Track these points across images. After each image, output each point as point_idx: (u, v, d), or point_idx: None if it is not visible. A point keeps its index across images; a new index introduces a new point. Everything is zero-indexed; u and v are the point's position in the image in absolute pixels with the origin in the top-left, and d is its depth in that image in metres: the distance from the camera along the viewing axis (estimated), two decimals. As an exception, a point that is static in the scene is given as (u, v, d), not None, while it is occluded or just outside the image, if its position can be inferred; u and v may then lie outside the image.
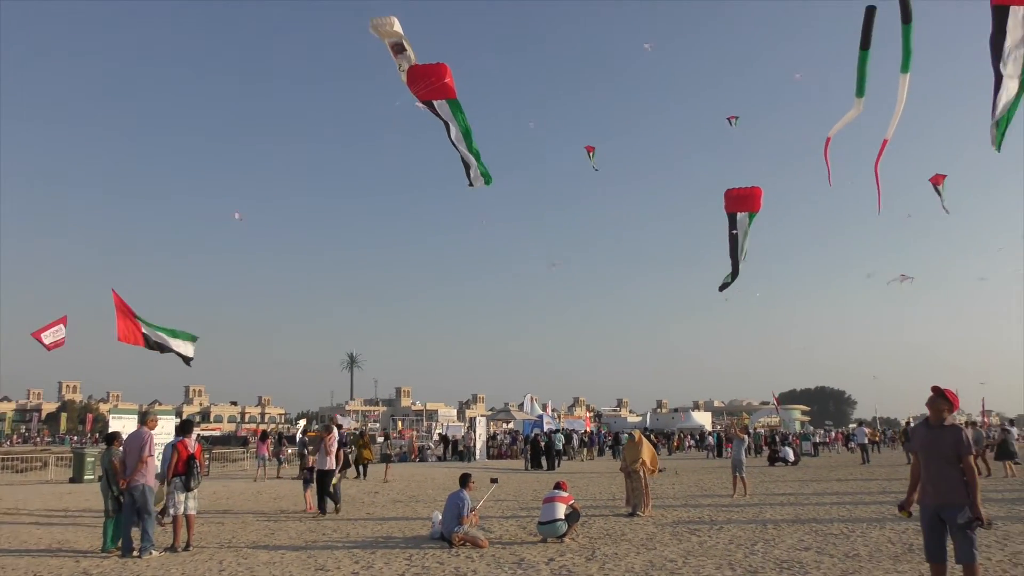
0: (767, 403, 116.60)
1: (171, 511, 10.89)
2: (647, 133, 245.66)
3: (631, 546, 10.87)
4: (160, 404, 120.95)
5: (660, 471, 16.14)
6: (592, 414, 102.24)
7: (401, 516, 15.14)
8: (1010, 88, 9.52)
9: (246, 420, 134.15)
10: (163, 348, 17.89)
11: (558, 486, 12.13)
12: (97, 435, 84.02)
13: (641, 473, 14.63)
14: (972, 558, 6.10)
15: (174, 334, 18.26)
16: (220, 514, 14.98)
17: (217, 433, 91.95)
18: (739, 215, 19.57)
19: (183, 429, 11.80)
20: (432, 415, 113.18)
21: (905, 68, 10.23)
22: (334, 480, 15.30)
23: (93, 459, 24.35)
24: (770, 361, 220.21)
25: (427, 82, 13.36)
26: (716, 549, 10.51)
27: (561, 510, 11.41)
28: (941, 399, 6.47)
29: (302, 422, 60.65)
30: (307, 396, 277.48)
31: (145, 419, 11.49)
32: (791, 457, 33.65)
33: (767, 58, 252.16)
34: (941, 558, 6.32)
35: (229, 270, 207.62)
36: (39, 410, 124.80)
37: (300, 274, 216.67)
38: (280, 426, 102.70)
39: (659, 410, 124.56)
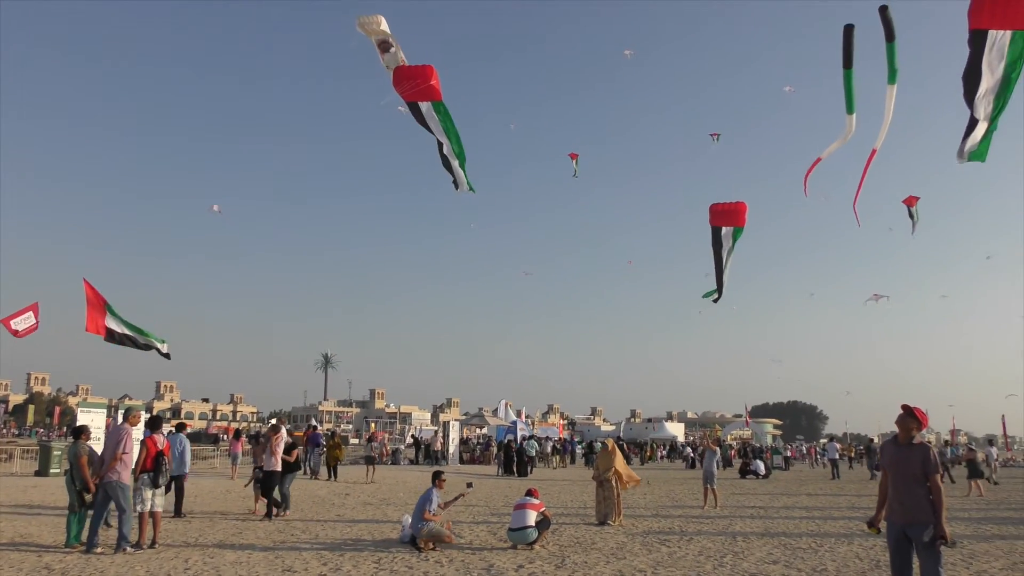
0: (739, 416, 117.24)
1: (137, 508, 10.75)
2: (628, 142, 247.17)
3: (601, 555, 10.87)
4: (130, 399, 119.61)
5: (638, 483, 16.11)
6: (566, 422, 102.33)
7: (371, 519, 15.05)
8: (979, 131, 9.71)
9: (218, 418, 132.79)
10: (126, 342, 17.62)
11: (529, 493, 12.12)
12: (65, 428, 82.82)
13: (613, 482, 14.65)
14: (937, 577, 6.14)
15: (142, 333, 18.07)
16: (187, 512, 14.79)
17: (188, 430, 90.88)
18: (724, 230, 19.69)
19: (152, 425, 11.66)
20: (406, 418, 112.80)
21: (892, 80, 10.34)
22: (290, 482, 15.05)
23: (60, 452, 23.99)
24: (744, 374, 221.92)
25: (412, 83, 13.33)
26: (685, 560, 10.54)
27: (532, 517, 11.40)
28: (910, 417, 6.52)
29: (273, 421, 60.20)
30: (280, 395, 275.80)
31: (128, 415, 11.31)
32: (762, 470, 33.88)
33: (747, 70, 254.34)
34: (907, 576, 6.36)
35: (204, 267, 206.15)
36: (6, 401, 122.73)
37: (277, 273, 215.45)
38: (252, 425, 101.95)
39: (633, 420, 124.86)
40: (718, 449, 23.50)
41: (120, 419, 12.70)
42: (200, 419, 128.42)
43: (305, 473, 26.74)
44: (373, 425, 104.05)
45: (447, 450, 40.01)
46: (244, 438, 27.81)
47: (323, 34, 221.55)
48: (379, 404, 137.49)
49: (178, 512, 14.18)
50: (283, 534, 12.46)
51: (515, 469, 32.25)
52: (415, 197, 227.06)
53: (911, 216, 24.24)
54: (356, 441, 74.81)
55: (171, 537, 11.54)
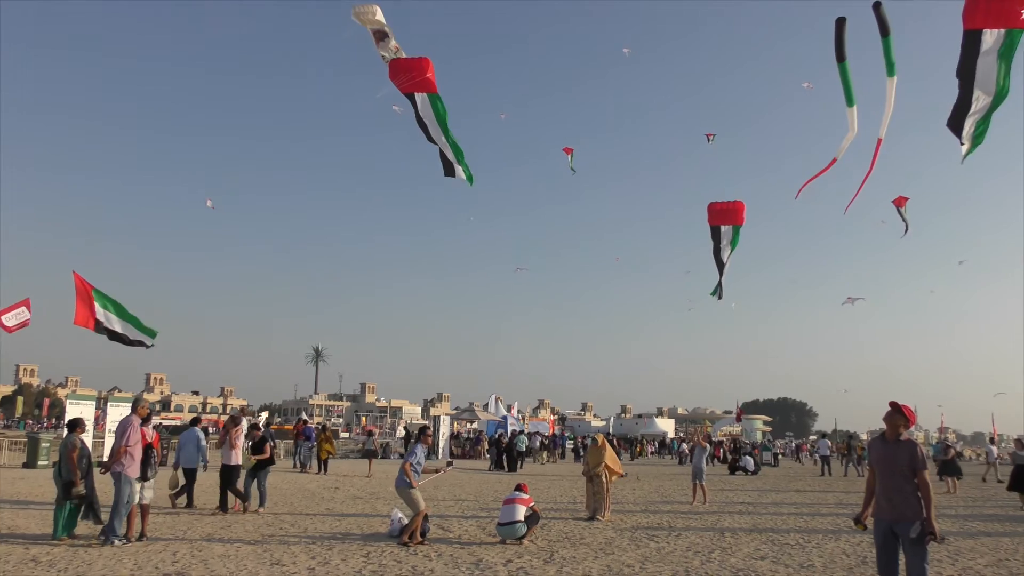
0: (730, 412, 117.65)
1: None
2: (625, 139, 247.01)
3: (589, 550, 10.90)
4: (120, 391, 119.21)
5: (623, 476, 16.18)
6: (557, 417, 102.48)
7: (360, 513, 15.05)
8: (969, 126, 9.78)
9: (207, 410, 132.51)
10: (112, 335, 17.50)
11: (519, 488, 12.14)
12: (54, 420, 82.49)
13: (603, 478, 14.67)
14: (923, 574, 6.18)
15: (134, 319, 17.87)
16: (202, 504, 14.73)
17: (177, 422, 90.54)
18: (722, 228, 19.80)
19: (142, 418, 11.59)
20: (396, 412, 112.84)
21: (890, 73, 10.37)
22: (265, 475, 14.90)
23: (48, 444, 23.91)
24: (734, 371, 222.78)
25: (409, 76, 13.38)
26: (673, 556, 10.58)
27: (521, 512, 11.41)
28: (898, 414, 6.54)
29: (264, 414, 60.03)
30: (271, 388, 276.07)
31: (136, 406, 11.14)
32: (751, 466, 33.97)
33: (744, 68, 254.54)
34: (892, 573, 6.39)
35: (196, 260, 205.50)
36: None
37: (268, 266, 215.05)
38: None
39: (623, 415, 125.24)
40: (708, 446, 23.62)
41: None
42: (190, 411, 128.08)
43: (295, 467, 26.73)
44: (364, 419, 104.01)
45: (437, 444, 39.96)
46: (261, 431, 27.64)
47: (315, 30, 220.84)
48: (370, 398, 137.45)
49: (190, 503, 14.50)
50: (272, 528, 12.43)
51: (505, 464, 32.28)
52: (408, 192, 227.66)
53: (901, 217, 24.31)
54: (346, 435, 74.76)
55: (159, 530, 11.50)
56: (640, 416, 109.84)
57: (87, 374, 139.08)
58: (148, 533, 10.78)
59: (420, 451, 11.45)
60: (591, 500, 14.79)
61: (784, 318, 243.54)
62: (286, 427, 50.32)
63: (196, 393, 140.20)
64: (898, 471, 6.31)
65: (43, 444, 23.79)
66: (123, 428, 10.55)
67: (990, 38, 9.26)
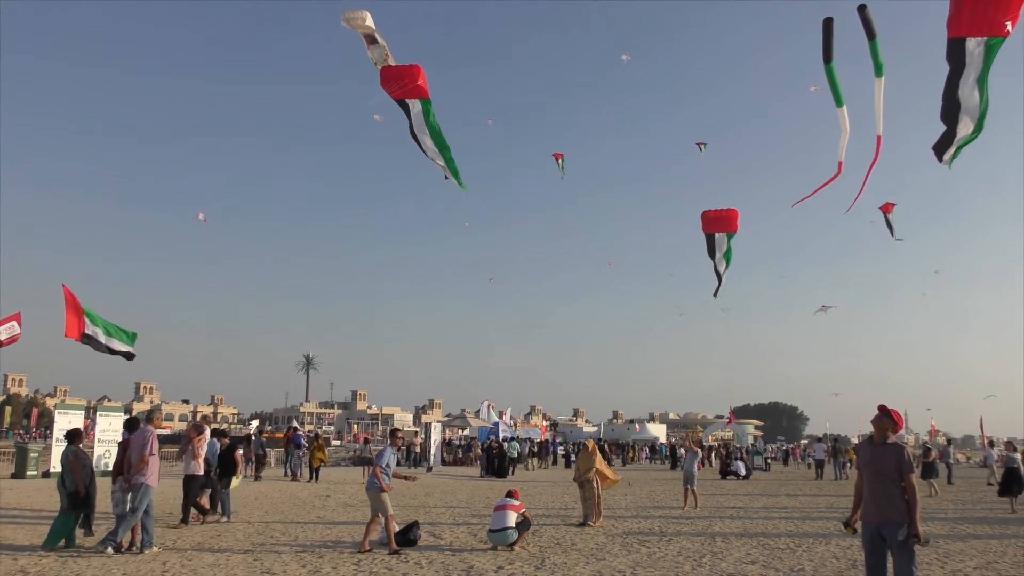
0: (721, 416, 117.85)
1: (114, 510, 10.68)
2: (616, 144, 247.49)
3: (580, 556, 10.90)
4: (109, 400, 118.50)
5: (617, 482, 16.17)
6: (549, 423, 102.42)
7: (352, 520, 15.00)
8: (961, 133, 9.87)
9: (198, 419, 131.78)
10: (98, 346, 17.54)
11: (510, 494, 12.13)
12: (42, 430, 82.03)
13: (594, 483, 14.68)
14: (912, 576, 6.20)
15: (118, 331, 17.94)
16: (166, 514, 14.67)
17: (167, 431, 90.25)
18: (717, 236, 19.95)
19: (131, 427, 11.59)
20: (388, 419, 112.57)
21: (878, 74, 10.45)
22: (234, 485, 14.89)
23: (36, 455, 23.75)
24: (725, 375, 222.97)
25: (400, 83, 13.42)
26: (664, 561, 10.59)
27: (512, 518, 11.41)
28: (886, 418, 6.59)
29: (255, 422, 59.83)
30: (262, 396, 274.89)
31: (151, 417, 11.30)
32: (743, 471, 34.04)
33: (734, 74, 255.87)
34: (881, 576, 6.41)
35: (185, 268, 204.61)
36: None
37: (258, 273, 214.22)
38: (233, 426, 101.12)
39: (615, 421, 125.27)
40: (699, 451, 23.66)
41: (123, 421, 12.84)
42: (180, 420, 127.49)
43: (286, 475, 26.66)
44: (355, 427, 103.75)
45: (428, 451, 39.84)
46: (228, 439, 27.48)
47: (302, 37, 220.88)
48: (361, 405, 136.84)
49: (223, 510, 14.56)
50: (262, 536, 12.40)
51: (496, 470, 32.26)
52: (398, 200, 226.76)
53: (888, 223, 24.46)
54: (338, 443, 74.55)
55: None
56: (632, 421, 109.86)
57: (76, 384, 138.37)
58: (138, 542, 10.72)
59: (389, 453, 11.44)
60: (582, 505, 14.79)
61: (775, 322, 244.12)
62: (276, 435, 50.23)
63: (186, 402, 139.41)
64: (885, 474, 6.35)
65: (31, 454, 23.59)
66: (144, 439, 10.62)
67: (974, 47, 9.36)
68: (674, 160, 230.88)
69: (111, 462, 12.40)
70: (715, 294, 21.23)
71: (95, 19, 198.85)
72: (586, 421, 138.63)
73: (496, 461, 32.70)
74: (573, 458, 37.74)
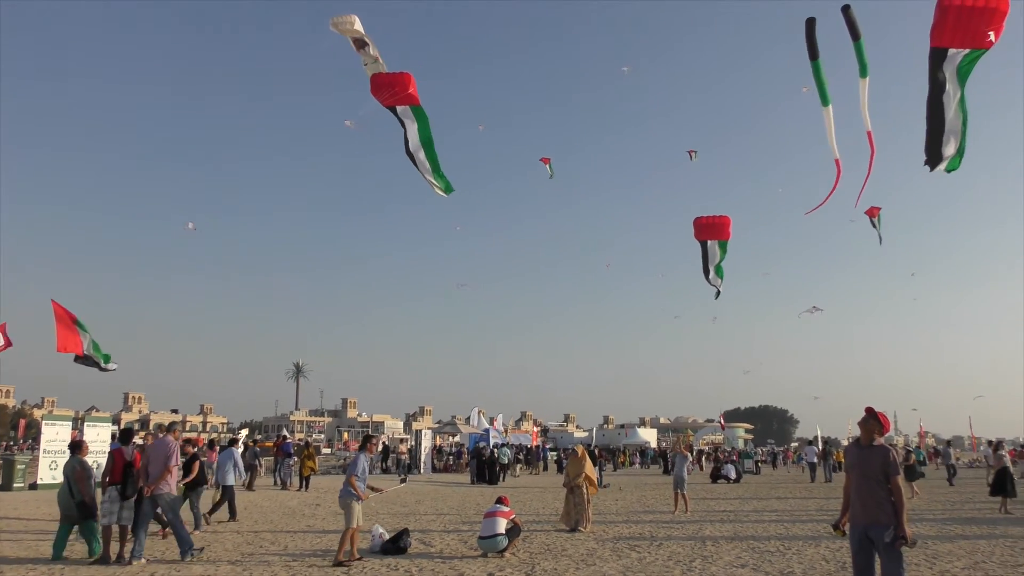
0: (712, 420, 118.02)
1: (103, 521, 10.63)
2: (608, 151, 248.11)
3: (571, 561, 10.90)
4: (97, 411, 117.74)
5: (604, 487, 16.21)
6: (539, 429, 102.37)
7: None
8: (950, 144, 9.99)
9: (187, 429, 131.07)
10: (91, 364, 17.63)
11: (500, 501, 12.13)
12: (30, 441, 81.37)
13: (583, 489, 14.68)
14: (899, 577, 6.23)
15: (96, 348, 18.06)
16: (156, 524, 14.57)
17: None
18: (709, 243, 20.08)
19: (124, 438, 11.52)
20: (378, 427, 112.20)
21: (863, 74, 10.56)
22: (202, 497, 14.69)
23: (24, 466, 23.57)
24: (716, 379, 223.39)
25: (391, 91, 13.45)
26: (655, 565, 10.60)
27: (502, 525, 11.40)
28: (873, 420, 6.63)
29: (244, 431, 59.52)
30: (251, 405, 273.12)
31: (171, 429, 11.36)
32: (733, 474, 34.09)
33: (725, 82, 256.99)
34: (869, 577, 6.43)
35: (174, 276, 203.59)
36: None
37: (247, 281, 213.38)
38: (222, 436, 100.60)
39: (606, 426, 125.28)
40: (689, 455, 23.70)
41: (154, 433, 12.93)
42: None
43: (276, 484, 26.51)
44: (346, 435, 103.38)
45: (418, 458, 39.72)
46: (218, 448, 27.33)
47: (288, 40, 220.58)
48: (351, 413, 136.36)
49: (232, 516, 15.60)
50: (251, 546, 12.34)
51: (487, 477, 32.20)
52: (389, 206, 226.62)
53: (874, 227, 24.60)
54: (328, 451, 74.23)
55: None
56: (623, 426, 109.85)
57: (64, 394, 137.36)
58: (127, 554, 10.64)
59: (363, 461, 11.16)
60: (571, 511, 14.76)
61: (764, 327, 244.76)
62: (266, 444, 49.91)
63: (175, 411, 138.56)
64: (871, 476, 6.39)
65: (19, 466, 23.42)
66: (168, 450, 10.72)
67: (955, 56, 9.49)
68: (673, 165, 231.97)
69: (99, 473, 12.36)
70: (716, 297, 21.50)
71: (84, 27, 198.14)
72: (577, 426, 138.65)
73: (487, 468, 32.64)
74: (565, 463, 37.68)
